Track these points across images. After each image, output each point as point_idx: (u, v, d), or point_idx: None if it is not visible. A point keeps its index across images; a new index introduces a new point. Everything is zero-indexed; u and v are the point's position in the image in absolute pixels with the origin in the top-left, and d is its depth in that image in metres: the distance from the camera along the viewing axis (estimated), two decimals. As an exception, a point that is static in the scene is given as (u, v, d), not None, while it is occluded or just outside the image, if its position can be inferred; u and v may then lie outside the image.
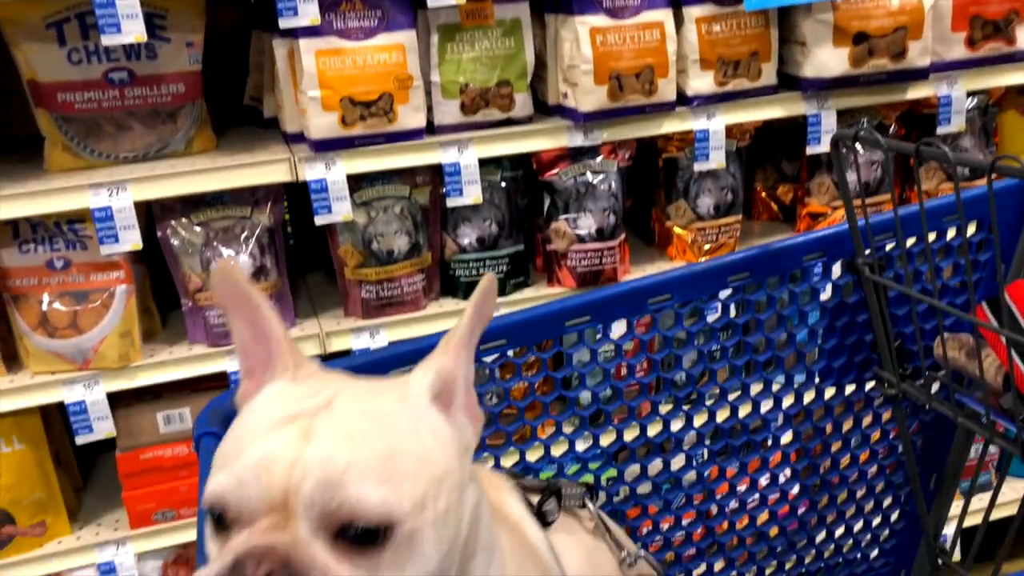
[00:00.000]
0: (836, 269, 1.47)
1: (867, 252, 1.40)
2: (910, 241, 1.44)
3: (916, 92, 2.49)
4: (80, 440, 2.18)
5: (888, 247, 1.44)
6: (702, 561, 1.55)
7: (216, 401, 1.28)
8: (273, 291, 2.24)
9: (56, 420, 2.35)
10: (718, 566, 1.56)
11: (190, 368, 2.20)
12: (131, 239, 2.09)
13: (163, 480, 2.26)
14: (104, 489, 2.44)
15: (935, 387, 1.43)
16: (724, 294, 1.44)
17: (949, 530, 1.64)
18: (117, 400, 2.20)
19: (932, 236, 1.45)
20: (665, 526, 1.51)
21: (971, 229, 1.48)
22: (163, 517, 2.27)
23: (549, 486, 1.14)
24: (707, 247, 2.53)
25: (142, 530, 2.26)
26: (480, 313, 0.87)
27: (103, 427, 2.17)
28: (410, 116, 2.18)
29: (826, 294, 1.47)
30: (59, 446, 2.36)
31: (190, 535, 2.28)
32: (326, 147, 2.15)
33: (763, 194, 2.85)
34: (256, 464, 0.77)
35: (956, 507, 1.62)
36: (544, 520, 1.12)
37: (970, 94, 2.57)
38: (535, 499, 1.14)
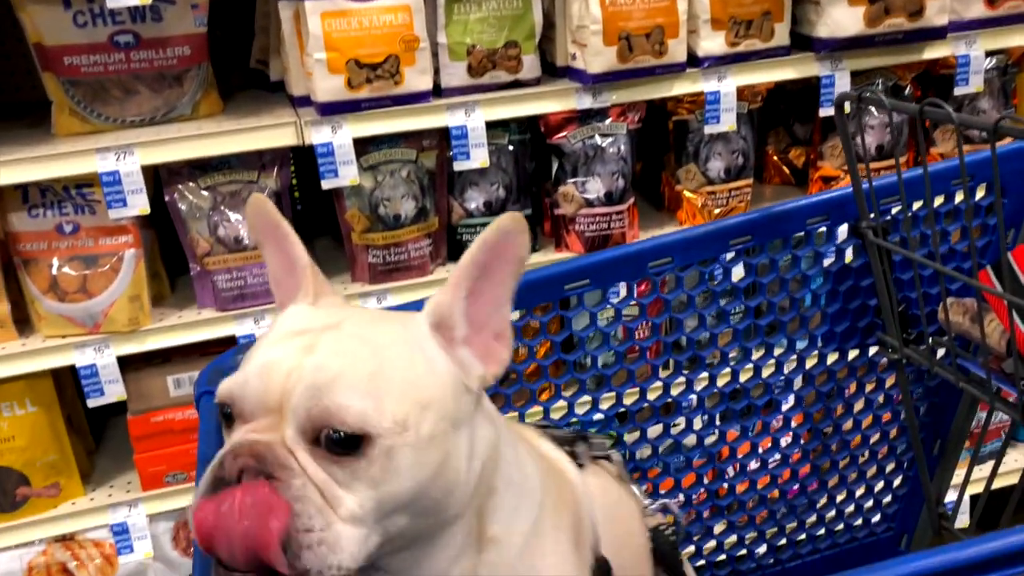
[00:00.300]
0: (841, 233, 1.45)
1: (871, 216, 1.38)
2: (917, 204, 1.42)
3: (933, 52, 2.44)
4: (91, 403, 2.20)
5: (894, 210, 1.42)
6: (702, 524, 1.55)
7: (217, 361, 1.29)
8: (280, 255, 2.24)
9: (68, 383, 2.37)
10: (718, 529, 1.57)
11: (199, 332, 2.22)
12: (139, 203, 2.09)
13: (174, 443, 2.28)
14: (116, 452, 2.47)
15: (940, 352, 1.41)
16: (727, 258, 1.43)
17: (953, 496, 1.63)
18: (127, 364, 2.21)
19: (940, 200, 1.43)
20: (664, 490, 1.51)
21: (980, 192, 1.45)
22: (174, 479, 2.29)
23: (577, 435, 1.18)
24: (717, 211, 2.51)
25: (154, 492, 2.29)
26: (490, 250, 0.87)
27: (114, 390, 2.19)
28: (416, 78, 2.16)
29: (830, 258, 1.46)
30: (71, 409, 2.39)
31: (201, 497, 2.30)
32: (332, 110, 2.13)
33: (775, 157, 2.82)
34: (260, 368, 0.84)
35: (963, 473, 1.61)
36: (577, 463, 1.14)
37: (989, 54, 2.52)
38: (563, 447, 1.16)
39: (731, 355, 1.48)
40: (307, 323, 0.89)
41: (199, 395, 1.24)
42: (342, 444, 0.80)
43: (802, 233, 1.43)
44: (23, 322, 2.21)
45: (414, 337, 0.88)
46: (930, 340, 1.39)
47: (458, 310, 0.89)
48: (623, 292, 1.43)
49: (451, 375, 0.88)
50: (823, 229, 1.43)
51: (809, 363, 1.50)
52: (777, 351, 1.49)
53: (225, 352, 1.31)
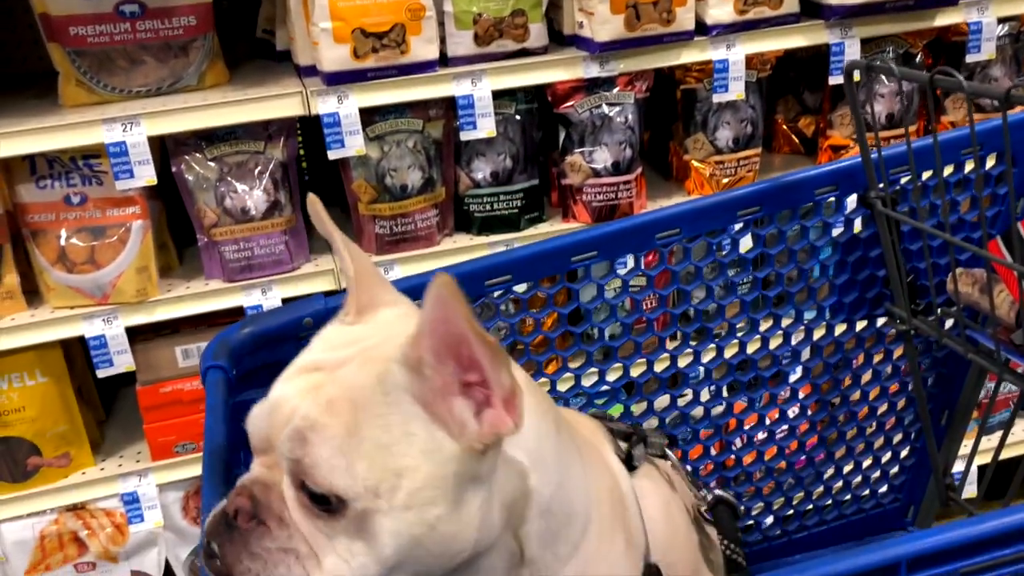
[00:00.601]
0: (850, 203, 1.44)
1: (880, 185, 1.37)
2: (927, 174, 1.41)
3: (945, 19, 2.41)
4: (101, 373, 2.21)
5: (904, 180, 1.41)
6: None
7: (223, 335, 1.29)
8: (287, 227, 2.24)
9: (77, 354, 2.38)
10: (725, 500, 1.57)
11: (207, 303, 2.22)
12: (146, 174, 2.09)
13: (183, 413, 2.29)
14: (126, 422, 2.49)
15: (948, 323, 1.41)
16: (735, 229, 1.42)
17: (961, 467, 1.63)
18: (136, 335, 2.22)
19: (949, 169, 1.42)
20: (672, 461, 1.51)
21: (990, 162, 1.44)
22: (183, 449, 2.30)
23: (636, 433, 1.15)
24: (725, 181, 2.50)
25: (163, 462, 2.30)
26: (441, 308, 0.76)
27: (123, 361, 2.20)
28: (423, 47, 2.15)
29: (838, 228, 1.45)
30: (81, 380, 2.40)
31: (211, 466, 2.32)
32: (338, 80, 2.12)
33: (784, 126, 2.80)
34: (271, 403, 0.85)
35: (969, 444, 1.60)
36: (631, 464, 1.12)
37: (1001, 21, 2.48)
38: (619, 443, 1.14)
39: (739, 326, 1.48)
40: (328, 354, 0.87)
41: (205, 369, 1.24)
42: (319, 499, 0.79)
43: (811, 203, 1.43)
44: (32, 293, 2.21)
45: (394, 390, 0.81)
46: (939, 311, 1.38)
47: (426, 360, 0.80)
48: (629, 263, 1.42)
49: (431, 441, 0.80)
50: (832, 199, 1.42)
51: (817, 334, 1.50)
52: (785, 322, 1.49)
53: (232, 325, 1.32)
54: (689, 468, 1.53)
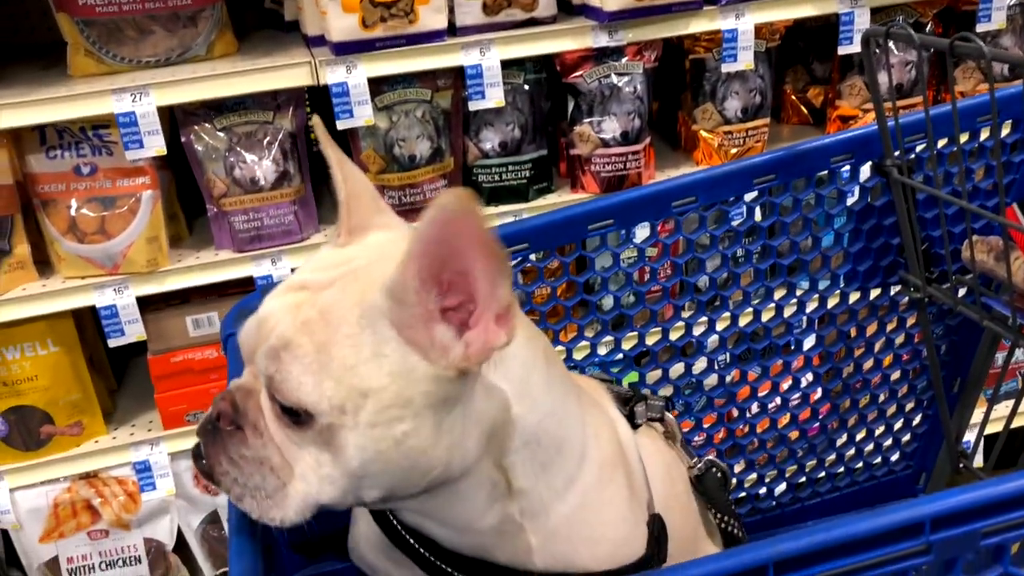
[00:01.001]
0: (864, 171, 1.44)
1: (896, 153, 1.38)
2: (942, 142, 1.41)
3: (955, -12, 2.41)
4: (112, 343, 2.22)
5: (919, 148, 1.41)
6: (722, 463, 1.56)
7: (243, 303, 1.30)
8: (296, 197, 2.24)
9: (89, 324, 2.39)
10: (738, 468, 1.58)
11: (217, 273, 2.23)
12: (155, 144, 2.09)
13: (194, 382, 2.30)
14: (137, 391, 2.50)
15: (962, 291, 1.41)
16: (749, 197, 1.42)
17: (971, 436, 1.65)
18: (147, 304, 2.23)
19: (964, 137, 1.42)
20: (686, 429, 1.52)
21: (1005, 130, 1.44)
22: (195, 418, 2.32)
23: (635, 394, 1.16)
24: (734, 151, 2.50)
25: (175, 430, 2.32)
26: (441, 227, 0.75)
27: (134, 330, 2.21)
28: (431, 17, 2.14)
29: (853, 197, 1.45)
30: (93, 349, 2.41)
31: (222, 436, 2.33)
32: (347, 50, 2.11)
33: (792, 97, 2.79)
34: (258, 318, 0.88)
35: (979, 413, 1.62)
36: (634, 423, 1.13)
37: (1012, -10, 2.48)
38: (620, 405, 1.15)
39: (753, 295, 1.48)
40: (316, 274, 0.88)
41: (226, 336, 1.26)
42: (290, 412, 0.83)
43: (825, 172, 1.43)
44: (43, 263, 2.22)
45: (370, 313, 0.82)
46: (953, 278, 1.39)
47: (412, 287, 0.79)
48: (639, 232, 1.42)
49: (403, 363, 0.81)
50: (847, 167, 1.43)
51: (831, 303, 1.51)
52: (799, 291, 1.49)
53: (251, 293, 1.32)
54: (704, 436, 1.54)
